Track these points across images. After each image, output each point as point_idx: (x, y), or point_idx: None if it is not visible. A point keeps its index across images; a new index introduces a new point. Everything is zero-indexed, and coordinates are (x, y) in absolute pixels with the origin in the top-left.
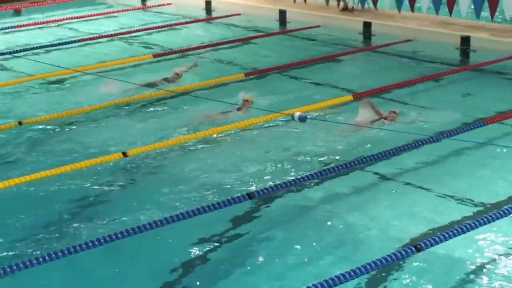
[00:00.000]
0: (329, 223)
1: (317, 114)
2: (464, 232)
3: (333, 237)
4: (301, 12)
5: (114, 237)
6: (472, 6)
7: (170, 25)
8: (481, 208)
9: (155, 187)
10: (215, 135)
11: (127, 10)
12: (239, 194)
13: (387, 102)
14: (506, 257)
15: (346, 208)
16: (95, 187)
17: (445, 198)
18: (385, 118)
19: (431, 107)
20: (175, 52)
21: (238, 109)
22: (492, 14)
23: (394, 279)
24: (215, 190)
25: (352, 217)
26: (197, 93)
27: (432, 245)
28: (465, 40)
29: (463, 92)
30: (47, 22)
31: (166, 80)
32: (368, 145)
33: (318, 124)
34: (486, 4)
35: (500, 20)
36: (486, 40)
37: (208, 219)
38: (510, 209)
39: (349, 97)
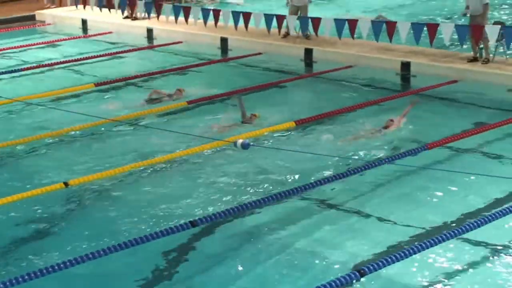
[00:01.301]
0: (274, 248)
1: (260, 140)
2: (406, 256)
3: (279, 262)
4: (242, 39)
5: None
6: (412, 32)
7: (112, 54)
8: (423, 232)
9: (94, 217)
10: (160, 163)
11: (68, 39)
12: (182, 222)
13: (330, 127)
14: (449, 279)
15: (291, 233)
16: (37, 217)
17: (388, 222)
18: (387, 128)
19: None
20: (117, 80)
21: (245, 122)
22: (431, 39)
23: None
24: (159, 218)
25: (298, 242)
26: (141, 121)
27: (375, 269)
28: (405, 66)
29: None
30: None
31: (169, 95)
32: (315, 169)
33: (261, 150)
34: (425, 30)
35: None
36: (426, 65)
37: (151, 247)
38: (450, 234)
39: (291, 123)
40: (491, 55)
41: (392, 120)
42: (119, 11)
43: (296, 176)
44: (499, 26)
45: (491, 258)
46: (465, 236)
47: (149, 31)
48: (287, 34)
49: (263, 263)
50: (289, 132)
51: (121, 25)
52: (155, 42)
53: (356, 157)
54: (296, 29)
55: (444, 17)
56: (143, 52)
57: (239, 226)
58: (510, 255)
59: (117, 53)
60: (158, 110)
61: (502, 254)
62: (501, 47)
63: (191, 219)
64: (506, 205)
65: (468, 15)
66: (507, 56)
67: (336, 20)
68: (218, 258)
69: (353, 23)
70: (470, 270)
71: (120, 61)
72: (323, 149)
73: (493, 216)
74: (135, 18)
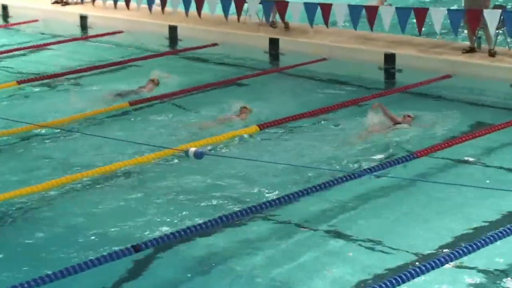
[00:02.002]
0: (229, 279)
1: (215, 148)
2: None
3: None
4: (194, 28)
5: None
6: (397, 18)
7: (38, 46)
8: (415, 255)
9: (13, 243)
10: (96, 176)
11: None
12: (122, 247)
13: (303, 131)
14: None
15: (252, 260)
16: None
17: (372, 244)
18: (399, 123)
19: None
20: (44, 78)
21: (237, 116)
22: (420, 27)
23: None
24: (94, 243)
25: (260, 271)
26: (74, 125)
27: None
28: (390, 58)
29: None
30: None
31: (142, 89)
32: (282, 182)
33: (217, 160)
34: (412, 16)
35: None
36: (413, 58)
37: (89, 275)
38: (446, 258)
39: (254, 127)
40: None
41: (409, 116)
42: None
43: (259, 191)
44: (500, 10)
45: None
46: (463, 259)
47: (83, 18)
48: (273, 23)
49: None
50: (252, 138)
51: (49, 11)
52: (90, 32)
53: (337, 166)
54: (259, 15)
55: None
56: (76, 44)
57: (190, 251)
58: None
59: (44, 45)
60: (94, 113)
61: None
62: (502, 36)
63: (133, 243)
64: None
65: None
66: (510, 46)
67: (306, 4)
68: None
69: (326, 8)
70: None
71: (48, 55)
72: (298, 156)
73: (492, 237)
74: (66, 3)
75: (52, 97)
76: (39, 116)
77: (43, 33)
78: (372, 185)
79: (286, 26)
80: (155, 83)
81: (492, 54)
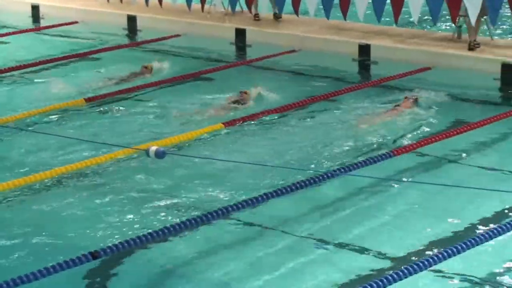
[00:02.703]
0: (185, 282)
1: (180, 146)
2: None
3: None
4: (155, 18)
5: None
6: (372, 6)
7: None
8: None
9: None
10: (49, 178)
11: None
12: (80, 254)
13: (273, 127)
14: None
15: (218, 268)
16: None
17: (349, 247)
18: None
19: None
20: None
21: (235, 102)
22: (396, 16)
23: None
24: (48, 250)
25: (214, 273)
26: (28, 121)
27: None
28: (364, 49)
29: (360, 115)
30: None
31: (135, 74)
32: (251, 183)
33: (180, 159)
34: (388, 5)
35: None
36: (390, 49)
37: (44, 284)
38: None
39: (219, 125)
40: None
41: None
42: None
43: (226, 192)
44: None
45: None
46: (444, 263)
47: (35, 8)
48: (256, 16)
49: None
50: (217, 136)
51: None
52: (43, 23)
53: (311, 164)
54: (225, 4)
55: None
56: (27, 36)
57: (152, 258)
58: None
59: None
60: (46, 110)
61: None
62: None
63: (91, 250)
64: (492, 226)
65: None
66: (493, 36)
67: None
68: None
69: None
70: None
71: None
72: (267, 155)
73: (476, 240)
74: None
75: (3, 93)
76: None
77: None
78: (348, 185)
79: (278, 17)
80: (148, 68)
81: (471, 47)
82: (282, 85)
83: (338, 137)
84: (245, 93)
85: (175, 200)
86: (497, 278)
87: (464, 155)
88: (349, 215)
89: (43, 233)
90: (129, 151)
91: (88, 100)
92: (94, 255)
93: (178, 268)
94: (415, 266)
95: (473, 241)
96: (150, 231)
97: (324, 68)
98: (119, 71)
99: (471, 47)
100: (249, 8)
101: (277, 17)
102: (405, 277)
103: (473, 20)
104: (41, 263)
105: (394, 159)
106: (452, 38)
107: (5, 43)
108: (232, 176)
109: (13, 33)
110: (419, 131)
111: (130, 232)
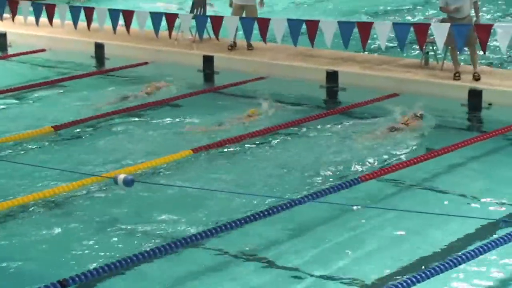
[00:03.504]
0: None
1: (148, 174)
2: None
3: None
4: (123, 45)
5: None
6: (339, 33)
7: None
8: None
9: None
10: (14, 207)
11: None
12: (48, 283)
13: (242, 154)
14: None
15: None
16: None
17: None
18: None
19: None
20: None
21: (239, 119)
22: (364, 43)
23: None
24: (19, 278)
25: None
26: None
27: None
28: (332, 76)
29: (329, 142)
30: None
31: (147, 93)
32: (219, 210)
33: (149, 188)
34: (356, 31)
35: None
36: (357, 75)
37: None
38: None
39: (188, 151)
40: (439, 61)
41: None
42: None
43: (195, 219)
44: (448, 24)
45: None
46: None
47: (2, 36)
48: (234, 45)
49: None
50: (186, 163)
51: None
52: (10, 51)
53: (278, 191)
54: (192, 31)
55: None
56: None
57: (122, 286)
58: None
59: None
60: (13, 138)
61: None
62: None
63: (59, 279)
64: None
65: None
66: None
67: (242, 19)
68: None
69: (264, 23)
70: None
71: None
72: (236, 182)
73: (443, 266)
74: None
75: None
76: None
77: None
78: (317, 211)
79: (249, 47)
80: (156, 86)
81: (455, 78)
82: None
83: (306, 164)
84: (253, 113)
85: (144, 228)
86: None
87: (430, 181)
88: (317, 241)
89: (10, 261)
90: (97, 179)
91: (56, 128)
92: (63, 284)
93: None
94: None
95: (442, 266)
96: (119, 258)
97: (292, 95)
98: (86, 99)
99: (455, 78)
100: (216, 35)
101: (248, 46)
102: None
103: (440, 46)
104: None
105: (362, 184)
106: (420, 64)
107: None
108: (201, 202)
109: None
110: (386, 156)
111: (99, 260)
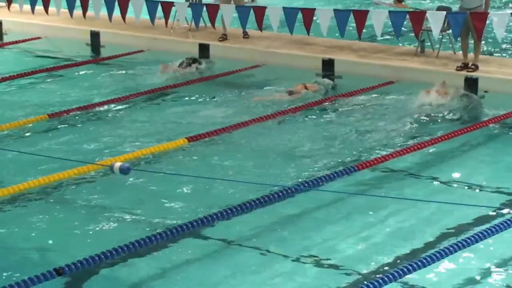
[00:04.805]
0: None
1: (144, 162)
2: None
3: None
4: (118, 33)
5: None
6: (335, 21)
7: None
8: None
9: None
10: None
11: None
12: (44, 271)
13: (238, 143)
14: None
15: (175, 280)
16: None
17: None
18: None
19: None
20: None
21: (290, 93)
22: (360, 31)
23: None
24: (13, 266)
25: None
26: None
27: None
28: (328, 64)
29: (324, 129)
30: None
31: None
32: (217, 198)
33: (145, 175)
34: (351, 19)
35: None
36: (353, 63)
37: None
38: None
39: (183, 140)
40: (436, 50)
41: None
42: None
43: (193, 207)
44: (444, 12)
45: None
46: (407, 278)
47: None
48: (225, 36)
49: None
50: (181, 152)
51: None
52: (6, 39)
53: (279, 178)
54: (188, 20)
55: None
56: None
57: (118, 274)
58: None
59: None
60: (8, 126)
61: None
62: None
63: (55, 267)
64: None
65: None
66: (455, 50)
67: (238, 7)
68: None
69: (260, 11)
70: None
71: None
72: (234, 170)
73: (437, 255)
74: None
75: None
76: None
77: None
78: (313, 199)
79: (246, 35)
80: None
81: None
82: (244, 102)
83: (306, 151)
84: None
85: (141, 216)
86: None
87: (428, 169)
88: (313, 228)
89: (5, 250)
90: (93, 167)
91: (51, 115)
92: (59, 272)
93: (144, 284)
94: (380, 281)
95: (438, 254)
96: (115, 246)
97: (288, 83)
98: (81, 87)
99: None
100: (212, 24)
101: (244, 34)
102: None
103: (436, 34)
104: (3, 281)
105: (359, 173)
106: (415, 52)
107: None
108: (197, 191)
109: None
110: (382, 144)
111: (95, 248)
